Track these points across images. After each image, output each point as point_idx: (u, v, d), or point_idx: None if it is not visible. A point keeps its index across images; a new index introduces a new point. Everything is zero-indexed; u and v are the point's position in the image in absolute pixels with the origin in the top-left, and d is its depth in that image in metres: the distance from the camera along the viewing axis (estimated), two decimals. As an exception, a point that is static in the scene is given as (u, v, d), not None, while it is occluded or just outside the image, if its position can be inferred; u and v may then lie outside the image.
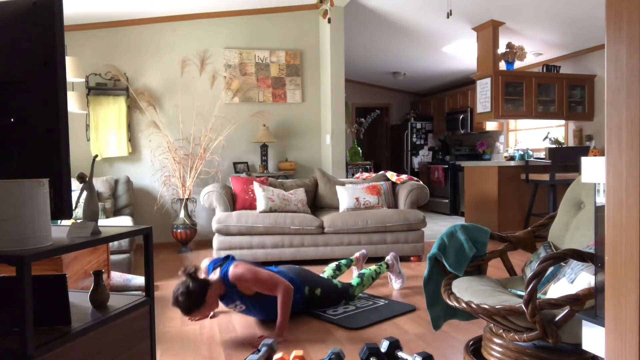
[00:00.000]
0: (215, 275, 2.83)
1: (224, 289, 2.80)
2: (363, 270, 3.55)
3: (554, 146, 6.72)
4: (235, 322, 3.07)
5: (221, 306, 3.35)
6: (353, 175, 6.80)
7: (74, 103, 4.90)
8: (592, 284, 1.70)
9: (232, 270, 2.78)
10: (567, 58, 7.07)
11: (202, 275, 2.83)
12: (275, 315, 2.87)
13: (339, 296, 3.30)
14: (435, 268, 2.37)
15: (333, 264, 3.66)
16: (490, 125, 8.33)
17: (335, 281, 3.37)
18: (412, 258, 4.81)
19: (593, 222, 2.02)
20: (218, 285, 2.77)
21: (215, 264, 2.95)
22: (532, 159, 6.52)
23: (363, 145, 10.91)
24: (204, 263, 3.04)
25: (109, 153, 5.60)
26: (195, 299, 2.64)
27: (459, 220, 7.76)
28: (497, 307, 1.81)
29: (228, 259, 2.95)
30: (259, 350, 2.22)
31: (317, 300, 3.19)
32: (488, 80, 6.37)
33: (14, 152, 1.51)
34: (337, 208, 5.04)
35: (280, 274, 3.05)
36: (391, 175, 5.28)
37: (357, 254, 3.94)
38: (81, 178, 1.68)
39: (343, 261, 3.73)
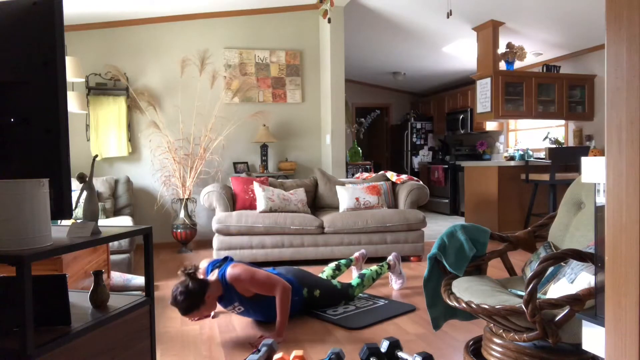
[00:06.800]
0: (213, 276, 2.83)
1: (222, 290, 2.80)
2: (364, 271, 3.55)
3: (554, 146, 6.72)
4: (235, 322, 3.07)
5: (220, 307, 3.35)
6: (353, 175, 6.80)
7: (74, 103, 4.90)
8: (592, 284, 1.70)
9: (230, 271, 2.78)
10: (567, 58, 7.07)
11: (200, 276, 2.83)
12: (274, 316, 2.87)
13: (339, 296, 3.30)
14: (435, 268, 2.37)
15: (332, 264, 3.66)
16: (490, 125, 8.33)
17: (334, 281, 3.36)
18: (412, 258, 4.81)
19: (593, 222, 2.02)
20: (216, 286, 2.77)
21: (214, 265, 2.95)
22: (532, 159, 6.52)
23: (363, 145, 10.91)
24: (203, 264, 3.04)
25: (109, 153, 5.60)
26: (194, 299, 2.64)
27: (459, 220, 7.76)
28: (497, 307, 1.81)
29: (227, 260, 2.94)
30: (259, 350, 2.22)
31: (316, 301, 3.18)
32: (488, 80, 6.37)
33: (14, 152, 1.51)
34: (337, 208, 5.04)
35: (278, 276, 3.04)
36: (391, 175, 5.28)
37: (356, 254, 3.94)
38: (81, 178, 1.68)
39: (343, 261, 3.73)
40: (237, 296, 2.82)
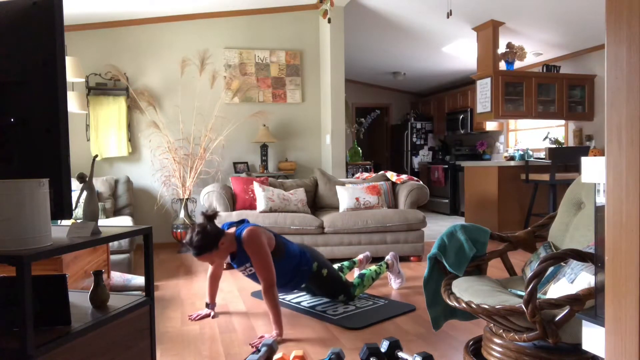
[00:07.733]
0: (231, 230, 2.97)
1: (235, 246, 2.92)
2: (363, 271, 3.56)
3: (554, 146, 6.72)
4: (235, 322, 3.07)
5: (221, 306, 3.35)
6: (353, 175, 6.80)
7: (74, 103, 4.90)
8: (592, 284, 1.70)
9: (246, 232, 2.90)
10: (567, 58, 7.07)
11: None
12: (280, 285, 3.06)
13: (341, 287, 3.35)
14: (435, 268, 2.37)
15: (335, 266, 3.66)
16: (490, 125, 8.33)
17: (341, 274, 3.45)
18: (412, 258, 4.80)
19: (593, 222, 2.02)
20: (231, 239, 2.90)
21: (231, 224, 3.07)
22: (532, 159, 6.51)
23: (363, 145, 10.91)
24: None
25: (109, 153, 5.60)
26: (209, 240, 2.78)
27: (459, 220, 7.76)
28: (497, 307, 1.81)
29: (243, 222, 3.06)
30: (259, 350, 2.22)
31: (321, 279, 3.26)
32: (488, 80, 6.37)
33: (14, 152, 1.51)
34: (337, 208, 5.04)
35: (294, 246, 3.17)
36: (391, 175, 5.28)
37: (360, 256, 3.93)
38: (81, 178, 1.68)
39: (345, 263, 3.73)
40: (249, 257, 2.93)
